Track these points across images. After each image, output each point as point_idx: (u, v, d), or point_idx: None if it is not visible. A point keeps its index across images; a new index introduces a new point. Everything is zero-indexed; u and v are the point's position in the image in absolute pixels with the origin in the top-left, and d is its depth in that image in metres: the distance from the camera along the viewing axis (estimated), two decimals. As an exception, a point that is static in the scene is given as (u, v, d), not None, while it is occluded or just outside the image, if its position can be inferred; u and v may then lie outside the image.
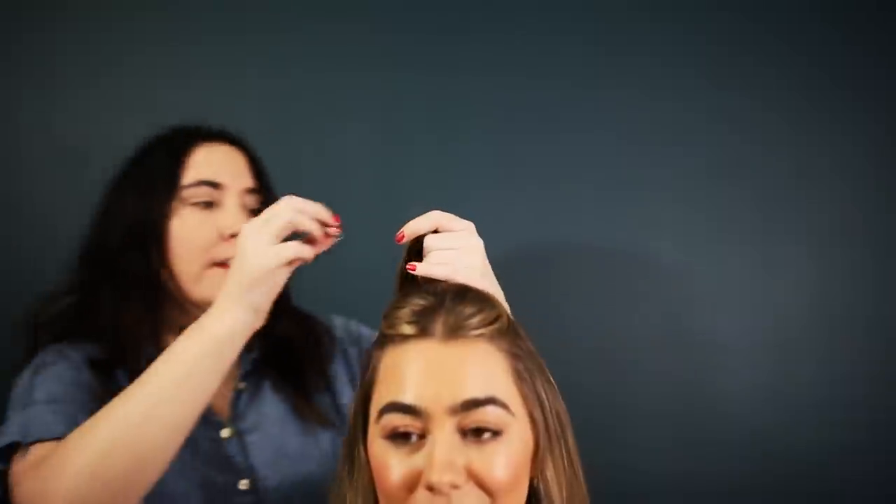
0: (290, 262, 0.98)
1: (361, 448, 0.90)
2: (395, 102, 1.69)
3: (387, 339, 0.90)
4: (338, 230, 1.01)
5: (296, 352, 1.30)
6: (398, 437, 0.85)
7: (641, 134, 1.68)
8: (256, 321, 0.98)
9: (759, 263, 1.67)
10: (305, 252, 0.99)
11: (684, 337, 1.66)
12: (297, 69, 1.68)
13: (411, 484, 0.84)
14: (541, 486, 0.90)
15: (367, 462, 0.89)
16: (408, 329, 0.88)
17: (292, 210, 0.97)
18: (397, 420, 0.85)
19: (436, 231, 0.97)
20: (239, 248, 0.97)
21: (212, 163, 1.24)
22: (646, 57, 1.69)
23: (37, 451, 1.02)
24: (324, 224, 1.00)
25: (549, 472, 0.90)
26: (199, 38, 1.69)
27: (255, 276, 0.95)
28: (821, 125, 1.68)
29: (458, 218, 0.98)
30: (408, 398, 0.85)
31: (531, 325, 0.95)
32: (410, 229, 0.97)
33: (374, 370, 0.90)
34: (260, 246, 0.96)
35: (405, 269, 0.97)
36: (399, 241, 0.97)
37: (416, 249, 0.99)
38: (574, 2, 1.70)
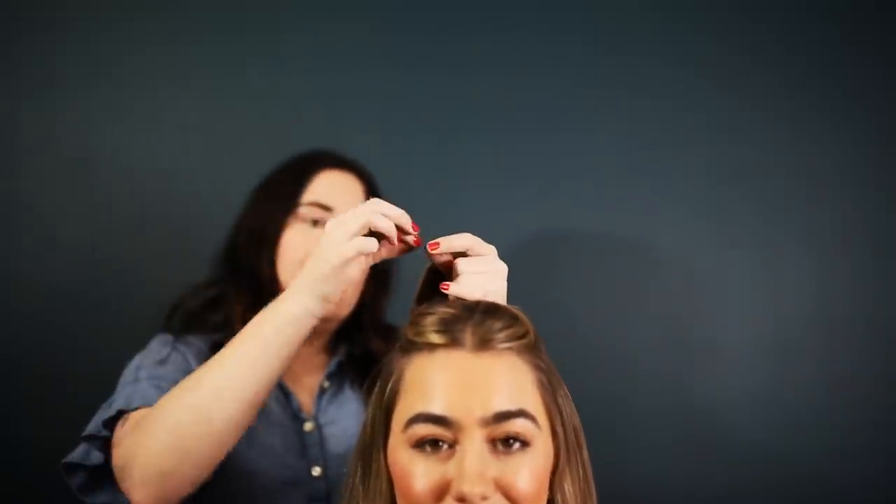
0: (359, 255, 1.02)
1: (381, 455, 0.90)
2: (395, 102, 1.69)
3: (412, 347, 0.90)
4: (415, 239, 1.04)
5: (378, 360, 1.35)
6: (425, 447, 0.85)
7: (642, 134, 1.68)
8: (324, 309, 1.04)
9: (759, 265, 1.67)
10: (371, 246, 1.02)
11: (685, 339, 1.66)
12: (297, 69, 1.68)
13: (439, 493, 0.84)
14: (559, 499, 0.90)
15: (387, 469, 0.89)
16: (436, 338, 0.88)
17: (372, 211, 1.01)
18: (426, 430, 0.85)
19: (464, 253, 1.00)
20: (321, 241, 1.03)
21: (329, 188, 1.38)
22: (646, 57, 1.69)
23: (134, 416, 1.12)
24: (403, 231, 1.03)
25: (568, 486, 0.91)
26: (199, 38, 1.69)
27: (327, 268, 1.00)
28: (821, 126, 1.68)
29: (483, 242, 1.01)
30: (438, 409, 0.85)
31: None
32: (447, 245, 1.00)
33: (399, 378, 0.90)
34: (335, 241, 1.01)
35: (436, 285, 0.99)
36: (431, 250, 1.00)
37: (435, 269, 1.02)
38: (574, 2, 1.70)
